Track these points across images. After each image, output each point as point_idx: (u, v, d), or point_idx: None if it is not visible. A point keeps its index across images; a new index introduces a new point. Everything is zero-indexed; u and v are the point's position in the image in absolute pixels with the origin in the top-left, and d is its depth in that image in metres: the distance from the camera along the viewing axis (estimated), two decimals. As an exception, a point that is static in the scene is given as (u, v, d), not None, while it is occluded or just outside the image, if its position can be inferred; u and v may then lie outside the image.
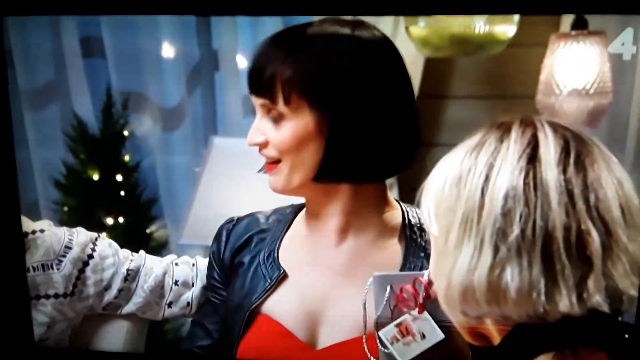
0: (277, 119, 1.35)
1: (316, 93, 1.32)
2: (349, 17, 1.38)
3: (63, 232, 1.66)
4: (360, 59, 1.33)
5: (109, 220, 2.40)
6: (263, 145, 1.38)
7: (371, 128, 1.34)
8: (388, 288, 1.27)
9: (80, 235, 1.67)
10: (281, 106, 1.34)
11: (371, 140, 1.34)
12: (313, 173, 1.36)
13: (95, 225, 2.33)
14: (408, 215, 1.45)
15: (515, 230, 0.87)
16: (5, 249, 1.58)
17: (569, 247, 0.87)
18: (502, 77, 2.27)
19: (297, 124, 1.34)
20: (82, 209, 2.42)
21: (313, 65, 1.32)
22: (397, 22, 2.14)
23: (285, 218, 1.53)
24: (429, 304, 1.24)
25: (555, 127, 0.94)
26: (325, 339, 1.42)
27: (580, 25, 1.94)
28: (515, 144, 0.92)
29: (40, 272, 1.62)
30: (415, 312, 1.26)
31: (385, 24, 2.15)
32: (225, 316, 1.52)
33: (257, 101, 1.38)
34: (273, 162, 1.39)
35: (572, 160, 0.90)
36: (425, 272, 1.23)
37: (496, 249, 0.89)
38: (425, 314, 1.25)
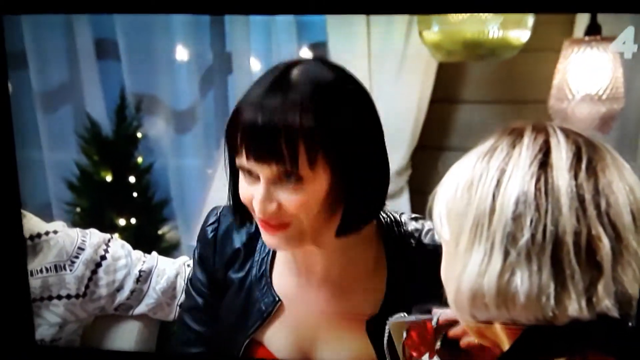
0: (294, 183, 1.21)
1: (342, 149, 1.20)
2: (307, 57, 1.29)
3: (76, 233, 1.67)
4: (362, 102, 1.27)
5: (121, 222, 2.41)
6: (275, 213, 1.24)
7: (376, 170, 1.28)
8: (404, 334, 1.23)
9: (93, 236, 1.68)
10: (304, 170, 1.19)
11: (378, 183, 1.29)
12: (332, 229, 1.27)
13: (107, 227, 2.34)
14: (387, 228, 1.39)
15: (526, 235, 0.87)
16: (7, 250, 1.58)
17: (579, 252, 0.87)
18: (515, 82, 2.27)
19: (317, 184, 1.21)
20: (94, 210, 2.43)
21: (334, 120, 1.20)
22: (411, 27, 2.15)
23: None
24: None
25: (568, 133, 0.94)
26: None
27: (593, 31, 1.94)
28: (527, 150, 0.92)
29: (52, 273, 1.63)
30: (426, 357, 1.22)
31: (398, 28, 2.16)
32: (220, 337, 1.48)
33: (265, 169, 1.20)
34: (281, 224, 1.25)
35: (583, 166, 0.90)
36: (435, 315, 1.20)
37: (506, 254, 0.89)
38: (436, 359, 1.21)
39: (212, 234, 1.48)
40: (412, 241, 1.38)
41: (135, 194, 2.45)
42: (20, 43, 2.38)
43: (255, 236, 1.43)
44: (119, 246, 1.70)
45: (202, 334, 1.51)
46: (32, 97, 2.43)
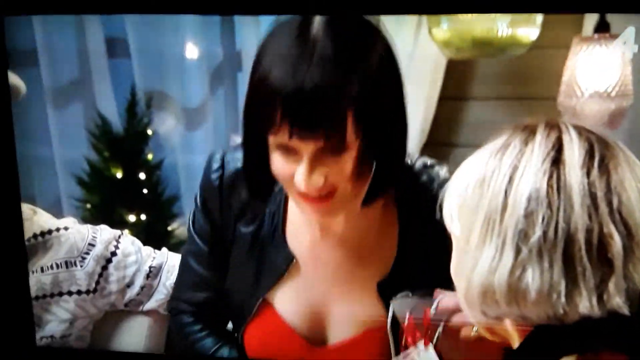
0: (339, 153, 1.16)
1: (383, 108, 1.18)
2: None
3: (87, 229, 1.67)
4: (390, 52, 1.21)
5: (131, 218, 2.42)
6: (321, 187, 1.18)
7: (402, 124, 1.26)
8: (407, 314, 1.22)
9: (104, 232, 1.68)
10: (350, 139, 1.15)
11: (402, 144, 1.28)
12: (362, 191, 1.24)
13: (117, 223, 2.34)
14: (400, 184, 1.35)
15: (538, 232, 0.87)
16: (9, 249, 1.58)
17: (590, 249, 0.87)
18: (524, 78, 2.27)
19: (356, 149, 1.16)
20: (104, 206, 2.44)
21: (376, 80, 1.15)
22: (420, 24, 2.15)
23: None
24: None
25: (580, 131, 0.94)
26: (329, 338, 1.39)
27: (602, 29, 1.94)
28: (539, 147, 0.92)
29: (63, 269, 1.63)
30: (421, 344, 1.19)
31: (408, 26, 2.16)
32: (231, 296, 1.45)
33: (310, 145, 1.14)
34: (327, 195, 1.20)
35: (596, 164, 0.90)
36: (434, 301, 1.19)
37: (518, 250, 0.89)
38: (430, 348, 1.19)
39: (217, 181, 1.42)
40: (425, 195, 1.32)
41: (145, 191, 2.46)
42: (32, 41, 2.39)
43: None
44: (129, 242, 1.71)
45: (208, 278, 1.47)
46: (43, 94, 2.44)
